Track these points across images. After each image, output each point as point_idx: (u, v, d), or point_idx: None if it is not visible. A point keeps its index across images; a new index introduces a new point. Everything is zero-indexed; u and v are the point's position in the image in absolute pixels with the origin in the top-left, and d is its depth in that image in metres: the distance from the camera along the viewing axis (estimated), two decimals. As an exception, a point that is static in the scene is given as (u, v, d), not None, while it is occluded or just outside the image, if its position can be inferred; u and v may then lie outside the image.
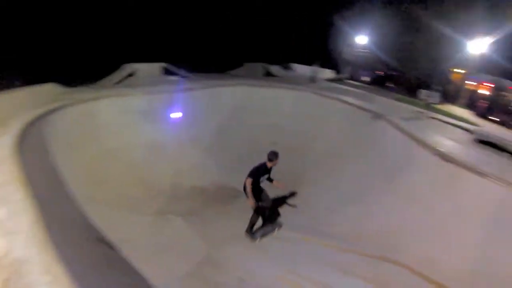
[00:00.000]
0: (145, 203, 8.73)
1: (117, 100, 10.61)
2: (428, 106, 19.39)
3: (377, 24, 38.03)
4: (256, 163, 9.35)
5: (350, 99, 15.29)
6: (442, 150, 9.72)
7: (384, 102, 19.52)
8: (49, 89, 10.93)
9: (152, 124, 10.83)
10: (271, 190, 8.76)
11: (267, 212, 8.40)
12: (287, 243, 8.07)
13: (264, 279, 6.59)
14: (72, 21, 21.65)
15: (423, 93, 28.52)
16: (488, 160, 10.53)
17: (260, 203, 8.07)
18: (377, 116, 12.83)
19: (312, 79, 20.89)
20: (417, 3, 32.63)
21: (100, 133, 9.61)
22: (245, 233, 8.02)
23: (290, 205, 9.90)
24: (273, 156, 8.26)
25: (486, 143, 12.95)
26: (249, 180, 7.90)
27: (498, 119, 29.37)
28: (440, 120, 18.14)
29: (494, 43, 29.23)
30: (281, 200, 10.03)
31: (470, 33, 29.31)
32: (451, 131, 15.13)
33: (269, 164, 8.24)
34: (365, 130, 12.74)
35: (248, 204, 7.86)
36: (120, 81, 13.96)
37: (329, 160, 12.10)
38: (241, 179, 10.81)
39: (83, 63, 18.67)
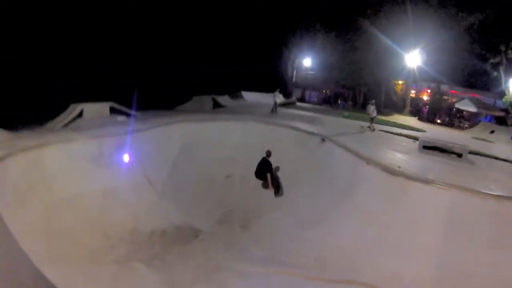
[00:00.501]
0: (105, 252, 8.47)
1: (66, 146, 10.25)
2: (372, 120, 20.38)
3: (321, 46, 39.85)
4: (210, 199, 9.82)
5: (298, 124, 15.87)
6: (388, 164, 10.37)
7: (332, 122, 20.33)
8: None
9: (104, 169, 10.55)
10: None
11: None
12: (252, 279, 8.21)
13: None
14: (16, 58, 20.86)
15: (370, 107, 29.69)
16: (433, 166, 11.33)
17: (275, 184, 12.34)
18: (324, 139, 13.44)
19: (274, 109, 21.11)
20: (354, 26, 34.63)
21: (51, 182, 9.19)
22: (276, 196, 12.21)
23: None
24: (269, 153, 12.36)
25: (431, 147, 13.89)
26: (270, 175, 12.09)
27: (441, 121, 31.81)
28: (387, 132, 19.18)
29: (425, 55, 31.99)
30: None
31: (407, 47, 31.66)
32: (398, 142, 16.06)
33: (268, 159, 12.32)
34: (315, 154, 13.34)
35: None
36: (68, 123, 13.54)
37: (284, 187, 12.45)
38: (199, 217, 11.00)
39: (27, 104, 17.95)
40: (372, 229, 9.15)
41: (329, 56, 38.89)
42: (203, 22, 33.05)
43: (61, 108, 14.60)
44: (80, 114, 14.24)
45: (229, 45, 35.19)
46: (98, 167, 10.48)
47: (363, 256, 8.60)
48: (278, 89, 22.02)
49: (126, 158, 11.34)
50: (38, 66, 21.55)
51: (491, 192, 8.90)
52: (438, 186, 9.10)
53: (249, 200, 12.30)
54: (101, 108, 14.90)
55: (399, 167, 10.39)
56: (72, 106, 14.43)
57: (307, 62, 43.82)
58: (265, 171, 12.04)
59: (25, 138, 10.26)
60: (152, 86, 16.78)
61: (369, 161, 10.95)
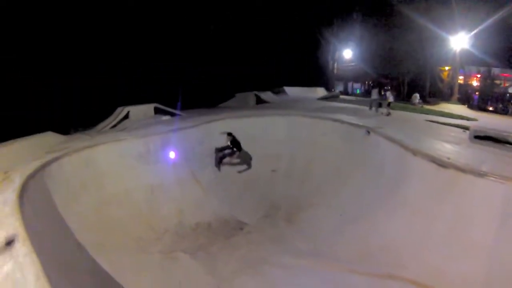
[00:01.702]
0: (152, 243, 8.81)
1: (115, 146, 10.76)
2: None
3: (360, 36, 38.90)
4: (255, 193, 9.98)
5: (342, 117, 15.53)
6: (437, 156, 9.80)
7: (376, 113, 19.74)
8: (47, 138, 11.27)
9: (151, 166, 10.96)
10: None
11: None
12: (295, 272, 8.11)
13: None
14: (66, 67, 22.03)
15: (416, 97, 28.61)
16: (486, 157, 10.54)
17: None
18: (369, 131, 13.03)
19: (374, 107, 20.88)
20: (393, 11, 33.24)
21: (101, 179, 9.69)
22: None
23: None
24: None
25: (484, 137, 12.99)
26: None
27: (494, 108, 29.56)
28: (435, 122, 18.33)
29: (473, 37, 30.03)
30: None
31: (451, 29, 29.97)
32: (446, 132, 15.24)
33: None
34: (360, 147, 12.89)
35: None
36: (115, 125, 14.22)
37: (328, 181, 12.22)
38: (244, 211, 11.07)
39: (78, 109, 18.99)
40: (419, 224, 8.58)
41: (369, 46, 37.68)
42: (240, 19, 33.14)
43: (109, 111, 15.43)
44: (126, 116, 14.95)
45: (268, 41, 35.14)
46: (146, 164, 10.93)
47: (409, 251, 8.14)
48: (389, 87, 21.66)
49: (172, 154, 11.70)
50: (84, 70, 22.54)
51: None
52: (492, 178, 8.40)
53: (294, 195, 12.20)
54: (146, 109, 15.52)
55: (449, 158, 9.75)
56: (119, 109, 15.26)
57: (348, 53, 43.06)
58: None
59: (78, 140, 11.06)
60: (194, 85, 17.07)
61: (415, 152, 10.31)
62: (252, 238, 9.54)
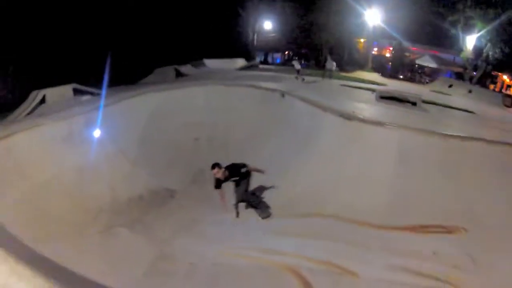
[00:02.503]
0: (89, 225, 8.98)
1: (35, 132, 10.34)
2: (332, 74, 21.34)
3: (280, 8, 39.99)
4: (181, 162, 11.51)
5: (260, 84, 16.47)
6: (344, 110, 11.27)
7: (293, 80, 21.09)
8: None
9: (76, 148, 10.87)
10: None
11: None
12: (223, 225, 9.16)
13: (210, 258, 7.59)
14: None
15: (328, 63, 30.61)
16: (387, 112, 12.34)
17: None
18: (283, 94, 14.13)
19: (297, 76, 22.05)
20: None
21: (25, 169, 9.40)
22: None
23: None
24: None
25: (388, 98, 14.94)
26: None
27: (403, 76, 33.46)
28: (348, 86, 20.15)
29: (385, 14, 32.88)
30: None
31: (365, 4, 32.37)
32: (357, 94, 17.01)
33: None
34: (276, 109, 14.10)
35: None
36: (31, 111, 13.59)
37: (249, 143, 13.16)
38: (172, 180, 11.68)
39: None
40: (332, 169, 10.25)
41: (289, 18, 39.11)
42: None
43: (22, 98, 14.59)
44: (42, 100, 14.23)
45: (188, 14, 34.46)
46: (71, 146, 10.75)
47: (327, 193, 9.68)
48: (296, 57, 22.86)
49: (96, 133, 11.68)
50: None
51: (436, 130, 10.10)
52: (389, 127, 10.09)
53: (218, 159, 12.73)
54: (64, 91, 14.87)
55: (353, 112, 11.30)
56: (33, 93, 14.22)
57: (268, 25, 43.98)
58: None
59: None
60: (111, 62, 16.62)
61: (325, 109, 11.79)
62: (182, 203, 10.28)
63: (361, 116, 11.22)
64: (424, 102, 15.19)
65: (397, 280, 6.44)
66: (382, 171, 9.66)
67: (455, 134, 10.19)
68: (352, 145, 10.53)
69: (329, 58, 25.10)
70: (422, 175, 9.24)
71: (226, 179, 9.45)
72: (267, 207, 9.76)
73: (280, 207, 9.70)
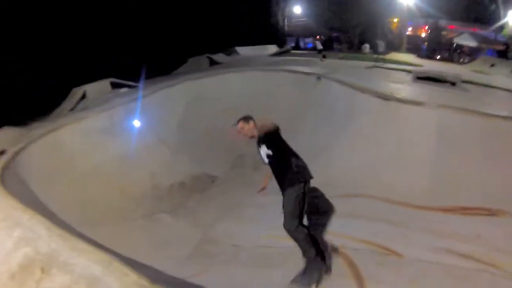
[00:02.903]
0: (132, 210, 9.35)
1: (78, 125, 10.94)
2: (377, 58, 20.80)
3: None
4: (221, 147, 10.36)
5: (294, 68, 16.26)
6: (381, 91, 10.92)
7: (327, 63, 20.69)
8: (6, 133, 10.90)
9: (117, 137, 11.25)
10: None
11: None
12: (265, 208, 8.81)
13: (253, 240, 7.59)
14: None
15: (366, 47, 29.95)
16: (424, 92, 11.89)
17: None
18: (319, 77, 13.86)
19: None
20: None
21: (71, 160, 9.89)
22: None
23: None
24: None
25: (424, 78, 14.35)
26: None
27: (441, 57, 31.69)
28: (383, 67, 19.56)
29: None
30: None
31: None
32: (393, 75, 16.49)
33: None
34: (312, 92, 13.79)
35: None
36: (74, 107, 14.18)
37: (286, 126, 12.51)
38: (212, 165, 11.78)
39: (29, 98, 18.42)
40: (370, 150, 9.92)
41: (319, 1, 38.27)
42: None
43: (63, 95, 15.22)
44: (83, 96, 14.85)
45: (218, 2, 34.47)
46: (112, 136, 11.19)
47: (366, 173, 9.40)
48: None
49: (136, 123, 12.04)
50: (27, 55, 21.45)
51: (476, 109, 9.54)
52: (428, 106, 9.68)
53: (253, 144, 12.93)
54: (103, 85, 15.49)
55: (391, 93, 10.93)
56: (74, 90, 15.09)
57: (298, 9, 43.29)
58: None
59: (38, 128, 10.89)
60: (145, 55, 16.87)
61: (363, 90, 11.46)
62: (224, 188, 10.36)
63: (399, 96, 10.82)
64: (464, 82, 14.43)
65: (441, 262, 6.17)
66: (421, 151, 9.20)
67: (496, 113, 9.61)
68: (391, 125, 10.13)
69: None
70: (463, 156, 8.71)
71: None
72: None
73: (319, 187, 9.52)
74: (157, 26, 28.15)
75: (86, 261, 3.67)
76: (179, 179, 10.87)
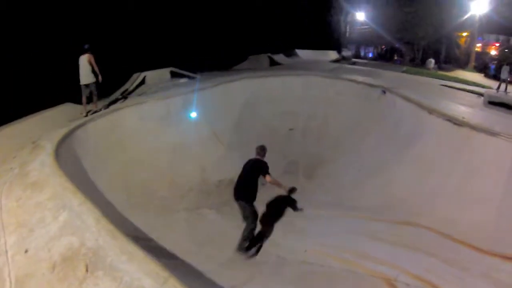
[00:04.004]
0: (177, 201, 9.19)
1: (136, 109, 11.03)
2: (434, 73, 19.62)
3: (374, -1, 37.84)
4: (274, 151, 9.98)
5: (357, 78, 15.54)
6: (453, 115, 9.96)
7: (390, 76, 19.75)
8: (67, 108, 11.55)
9: (173, 127, 11.22)
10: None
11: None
12: (318, 221, 8.51)
13: (299, 254, 7.08)
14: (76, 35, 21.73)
15: (431, 62, 28.44)
16: (499, 120, 10.73)
17: None
18: (385, 90, 13.06)
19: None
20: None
21: (125, 142, 9.98)
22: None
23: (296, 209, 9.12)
24: (263, 149, 7.94)
25: (497, 103, 13.11)
26: (269, 177, 7.28)
27: (511, 79, 29.16)
28: (450, 86, 18.33)
29: (494, 1, 28.60)
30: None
31: None
32: (461, 96, 15.33)
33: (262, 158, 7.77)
34: (376, 105, 13.02)
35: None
36: (133, 91, 14.35)
37: (346, 138, 12.43)
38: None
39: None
40: (433, 177, 8.94)
41: (384, 9, 36.64)
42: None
43: (124, 78, 15.47)
44: (143, 82, 15.04)
45: (280, 3, 34.25)
46: (167, 125, 11.20)
47: (423, 202, 8.51)
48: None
49: (193, 115, 12.00)
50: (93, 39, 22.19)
51: None
52: (504, 138, 8.62)
53: (312, 151, 12.48)
54: (162, 73, 15.62)
55: (464, 118, 9.91)
56: (135, 75, 15.39)
57: (361, 16, 42.09)
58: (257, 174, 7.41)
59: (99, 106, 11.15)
60: (208, 49, 16.81)
61: (431, 111, 10.54)
62: (274, 192, 9.85)
63: (473, 123, 9.73)
64: None
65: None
66: (491, 186, 8.11)
67: None
68: (459, 153, 9.08)
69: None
70: None
71: None
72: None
73: (373, 209, 8.81)
74: (221, 22, 28.29)
75: (137, 270, 3.23)
76: (229, 176, 10.47)
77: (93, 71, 10.40)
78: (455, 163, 8.81)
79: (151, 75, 15.47)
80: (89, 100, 10.83)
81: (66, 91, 12.47)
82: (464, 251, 6.95)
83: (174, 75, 16.09)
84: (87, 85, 10.48)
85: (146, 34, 23.88)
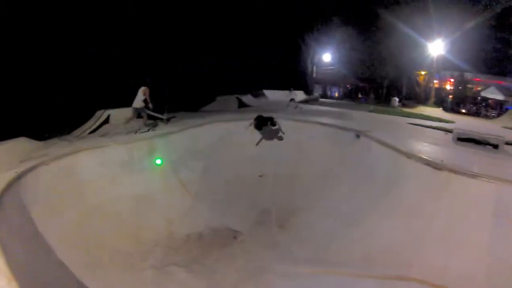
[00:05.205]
0: (141, 258, 8.24)
1: (96, 152, 10.11)
2: (401, 111, 20.23)
3: (340, 40, 39.59)
4: (245, 199, 10.72)
5: (328, 120, 15.44)
6: (430, 159, 9.84)
7: (359, 116, 19.98)
8: (21, 145, 10.39)
9: (136, 174, 10.40)
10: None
11: None
12: (298, 280, 7.85)
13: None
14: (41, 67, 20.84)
15: (395, 100, 29.75)
16: (473, 159, 10.77)
17: None
18: (358, 134, 12.94)
19: (290, 104, 22.21)
20: (374, 17, 34.03)
21: (82, 190, 9.05)
22: None
23: None
24: None
25: (466, 139, 13.35)
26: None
27: (467, 110, 31.03)
28: (418, 125, 18.75)
29: (449, 43, 31.29)
30: None
31: (428, 36, 31.13)
32: (430, 135, 15.55)
33: None
34: (350, 150, 12.80)
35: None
36: (95, 130, 13.50)
37: (318, 185, 11.99)
38: (235, 219, 10.66)
39: (53, 112, 17.95)
40: (417, 224, 8.61)
41: (349, 50, 38.66)
42: (222, 22, 32.88)
43: (87, 115, 14.60)
44: (106, 120, 14.20)
45: (248, 44, 34.99)
46: (130, 172, 10.33)
47: (410, 252, 8.13)
48: (292, 88, 24.43)
49: (157, 161, 11.19)
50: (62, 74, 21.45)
51: None
52: (484, 179, 8.56)
53: (284, 199, 11.87)
54: (128, 112, 14.77)
55: (442, 161, 9.86)
56: (98, 112, 14.49)
57: (327, 57, 43.53)
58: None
59: (55, 146, 10.23)
60: (175, 89, 16.38)
61: (409, 156, 10.44)
62: (247, 247, 9.17)
63: (452, 166, 9.67)
64: (506, 143, 13.43)
65: None
66: (477, 230, 7.97)
67: None
68: (441, 198, 8.93)
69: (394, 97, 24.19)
70: None
71: None
72: None
73: (358, 264, 8.27)
74: (190, 61, 28.33)
75: None
76: (198, 229, 9.76)
77: (144, 100, 13.51)
78: (438, 207, 8.60)
79: (116, 114, 14.64)
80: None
81: (22, 122, 11.60)
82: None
83: (140, 115, 15.31)
84: (136, 109, 13.54)
85: (112, 69, 23.33)
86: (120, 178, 9.98)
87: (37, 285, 4.67)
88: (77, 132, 13.26)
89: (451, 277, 7.17)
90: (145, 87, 13.51)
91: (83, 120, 14.40)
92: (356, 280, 7.79)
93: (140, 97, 13.36)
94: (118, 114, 14.55)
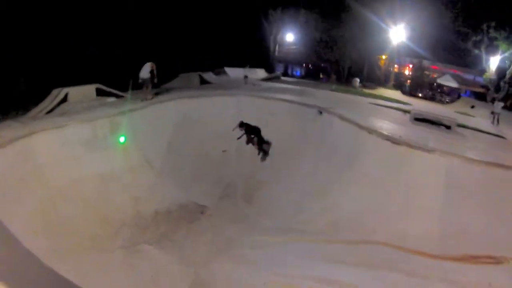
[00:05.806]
0: (110, 239, 8.11)
1: (56, 133, 9.53)
2: (361, 92, 20.85)
3: (304, 21, 39.58)
4: (210, 174, 11.15)
5: (290, 97, 15.64)
6: (390, 134, 10.38)
7: (322, 95, 20.33)
8: None
9: (100, 153, 10.04)
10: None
11: None
12: (267, 248, 8.13)
13: (258, 288, 6.54)
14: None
15: (356, 81, 30.68)
16: (428, 136, 11.50)
17: None
18: (321, 111, 13.23)
19: (245, 81, 22.33)
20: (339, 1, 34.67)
21: (43, 172, 8.60)
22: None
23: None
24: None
25: (422, 120, 14.19)
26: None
27: (423, 95, 32.85)
28: (378, 104, 19.46)
29: (409, 30, 32.53)
30: None
31: (390, 22, 32.16)
32: (390, 114, 16.25)
33: None
34: (312, 126, 13.15)
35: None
36: (52, 109, 12.74)
37: (284, 159, 12.32)
38: (201, 194, 10.77)
39: (4, 92, 16.99)
40: (380, 194, 9.33)
41: (313, 32, 38.78)
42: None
43: (42, 94, 13.80)
44: (64, 99, 13.43)
45: (210, 21, 34.37)
46: (93, 151, 9.93)
47: (373, 218, 8.79)
48: (248, 65, 24.60)
49: (121, 139, 10.86)
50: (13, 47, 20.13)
51: (482, 159, 9.20)
52: (437, 153, 9.23)
53: (249, 174, 12.25)
54: (87, 90, 14.04)
55: (400, 136, 10.49)
56: (55, 91, 13.41)
57: (290, 37, 43.53)
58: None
59: (9, 129, 9.30)
60: (137, 66, 15.84)
61: (370, 131, 10.95)
62: (215, 221, 9.35)
63: (410, 141, 10.32)
64: (457, 125, 14.56)
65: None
66: (431, 198, 8.72)
67: (499, 163, 9.31)
68: (399, 170, 9.60)
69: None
70: (470, 204, 8.34)
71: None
72: None
73: (325, 231, 8.78)
74: (152, 39, 27.59)
75: None
76: (165, 206, 9.76)
77: (151, 72, 14.03)
78: (398, 179, 9.34)
79: (74, 92, 13.65)
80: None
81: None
82: (420, 261, 7.28)
83: (100, 93, 14.65)
84: (143, 79, 13.94)
85: (70, 45, 22.27)
86: (83, 158, 9.60)
87: (4, 275, 4.49)
88: (32, 112, 12.47)
89: (411, 239, 7.83)
90: (152, 62, 14.20)
91: (38, 100, 13.53)
92: (325, 245, 8.27)
93: (147, 69, 13.92)
94: (77, 92, 13.72)
